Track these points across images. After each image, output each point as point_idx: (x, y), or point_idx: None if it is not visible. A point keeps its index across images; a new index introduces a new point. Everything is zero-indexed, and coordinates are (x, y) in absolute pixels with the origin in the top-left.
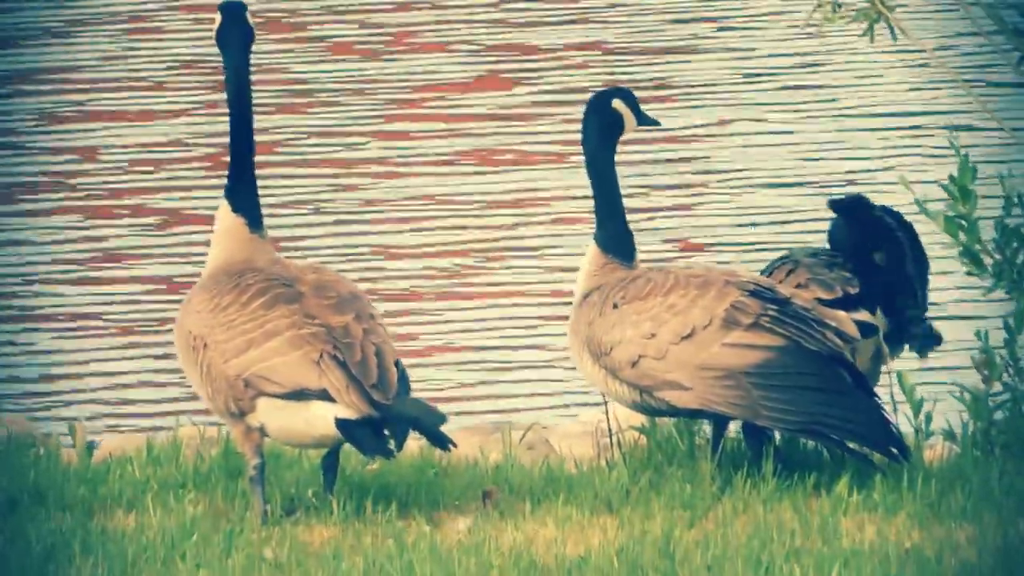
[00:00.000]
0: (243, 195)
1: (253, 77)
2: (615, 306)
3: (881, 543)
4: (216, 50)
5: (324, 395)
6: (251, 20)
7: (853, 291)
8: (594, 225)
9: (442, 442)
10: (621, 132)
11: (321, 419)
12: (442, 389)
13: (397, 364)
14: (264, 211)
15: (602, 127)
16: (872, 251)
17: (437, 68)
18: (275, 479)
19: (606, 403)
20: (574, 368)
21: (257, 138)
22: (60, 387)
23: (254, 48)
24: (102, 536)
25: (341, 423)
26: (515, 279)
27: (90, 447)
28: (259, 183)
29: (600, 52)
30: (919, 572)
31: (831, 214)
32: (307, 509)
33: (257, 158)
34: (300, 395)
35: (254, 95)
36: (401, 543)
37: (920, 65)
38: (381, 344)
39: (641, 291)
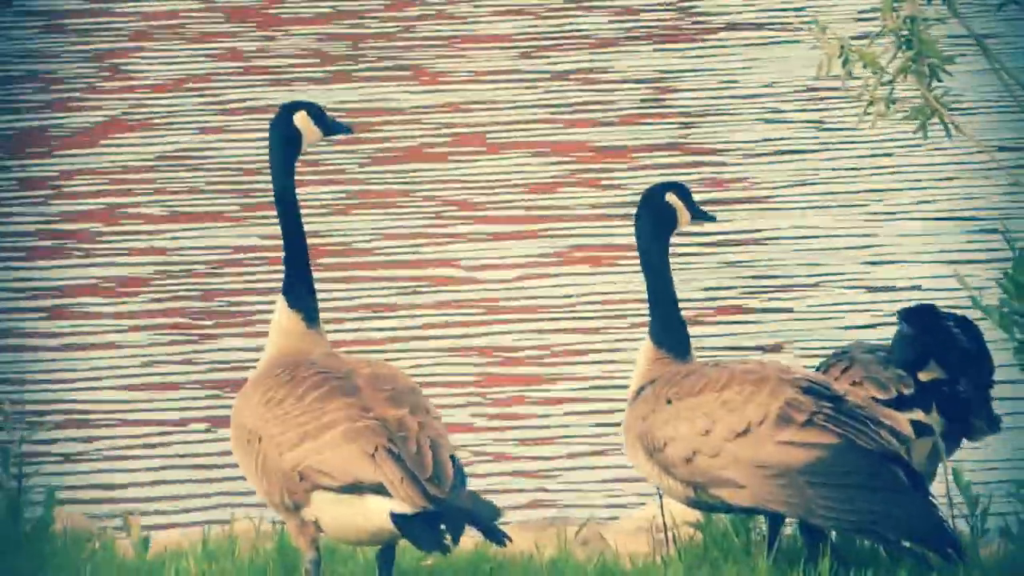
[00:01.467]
0: (300, 292)
1: (327, 179)
2: (669, 402)
3: None
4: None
5: (379, 489)
6: (301, 123)
7: (907, 391)
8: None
9: (498, 537)
10: (675, 226)
11: (376, 513)
12: (497, 482)
13: (453, 458)
14: (332, 313)
15: (655, 221)
16: (938, 360)
17: (513, 169)
18: (330, 574)
19: (661, 498)
20: (629, 463)
21: (325, 240)
22: (116, 481)
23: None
24: None
25: (397, 517)
26: (571, 373)
27: (145, 541)
28: (328, 286)
29: (680, 152)
30: None
31: (887, 312)
32: None
33: (324, 260)
34: (355, 488)
35: (327, 196)
36: None
37: (977, 165)
38: (436, 438)
39: (695, 387)
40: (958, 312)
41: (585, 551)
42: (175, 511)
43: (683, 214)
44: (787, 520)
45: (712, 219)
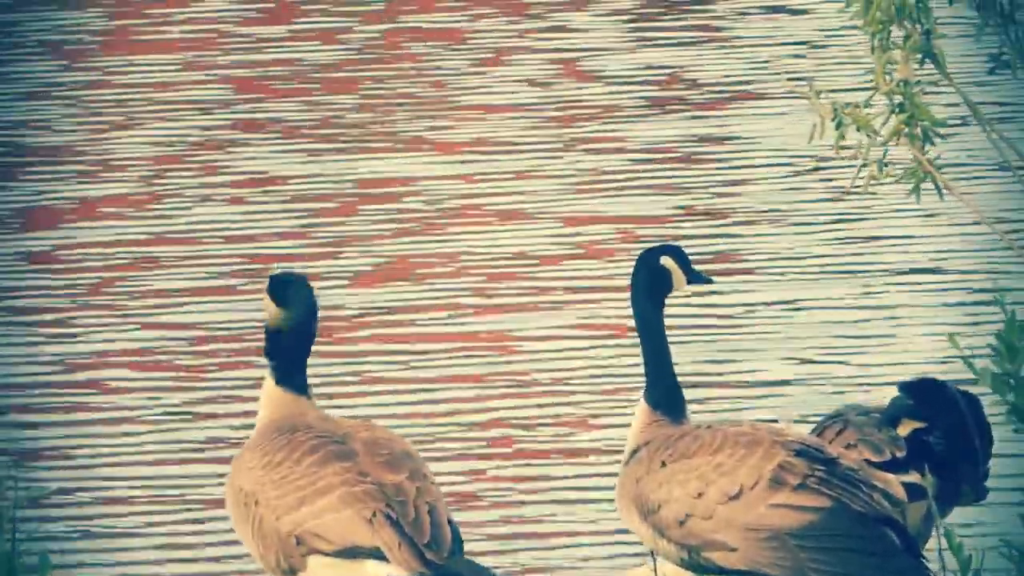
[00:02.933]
0: (287, 372)
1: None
2: (663, 464)
3: None
4: None
5: (377, 554)
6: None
7: (900, 454)
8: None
9: None
10: (670, 289)
11: None
12: (488, 541)
13: (450, 523)
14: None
15: (650, 283)
16: (938, 429)
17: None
18: None
19: (655, 560)
20: (622, 525)
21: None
22: (109, 545)
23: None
24: None
25: None
26: (562, 436)
27: None
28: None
29: (696, 214)
30: None
31: (886, 379)
32: None
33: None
34: (352, 553)
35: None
36: None
37: (969, 225)
38: (434, 503)
39: (689, 449)
40: (957, 384)
41: None
42: None
43: (679, 277)
44: None
45: (709, 281)
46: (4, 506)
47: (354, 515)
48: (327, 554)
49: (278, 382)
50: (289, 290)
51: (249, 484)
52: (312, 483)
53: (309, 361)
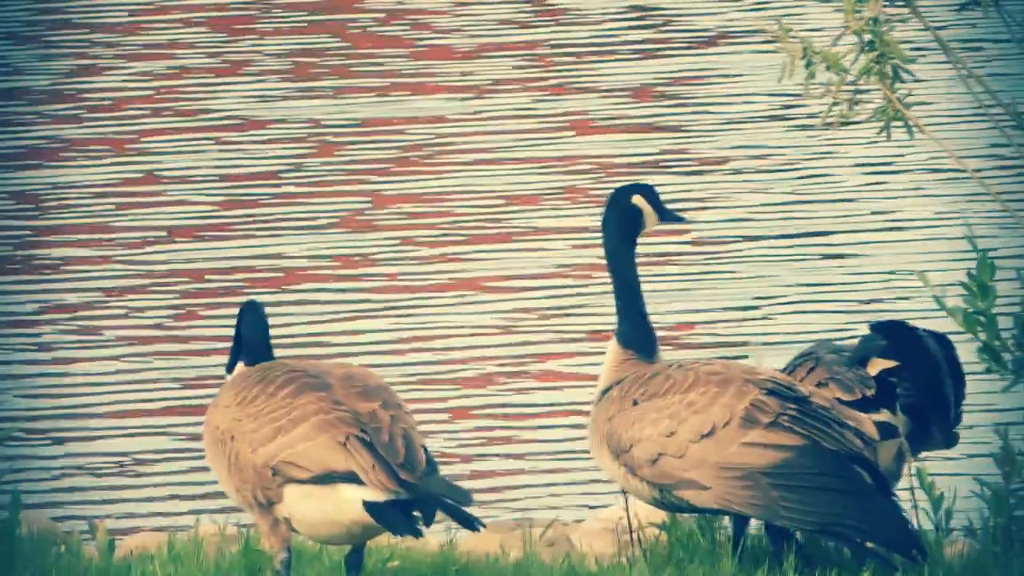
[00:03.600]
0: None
1: None
2: (635, 403)
3: None
4: None
5: (352, 477)
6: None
7: (870, 393)
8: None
9: (470, 523)
10: (642, 228)
11: (349, 502)
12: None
13: (424, 448)
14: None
15: (622, 222)
16: (911, 371)
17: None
18: None
19: (626, 499)
20: (595, 464)
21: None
22: (81, 484)
23: None
24: None
25: (369, 505)
26: (537, 382)
27: (111, 545)
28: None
29: (671, 154)
30: None
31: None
32: None
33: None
34: (327, 479)
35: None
36: None
37: (943, 171)
38: (408, 429)
39: (660, 388)
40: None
41: (551, 552)
42: (141, 515)
43: (650, 216)
44: (753, 521)
45: (681, 220)
46: None
47: (328, 440)
48: (302, 482)
49: (248, 363)
50: (244, 323)
51: (225, 422)
52: (287, 413)
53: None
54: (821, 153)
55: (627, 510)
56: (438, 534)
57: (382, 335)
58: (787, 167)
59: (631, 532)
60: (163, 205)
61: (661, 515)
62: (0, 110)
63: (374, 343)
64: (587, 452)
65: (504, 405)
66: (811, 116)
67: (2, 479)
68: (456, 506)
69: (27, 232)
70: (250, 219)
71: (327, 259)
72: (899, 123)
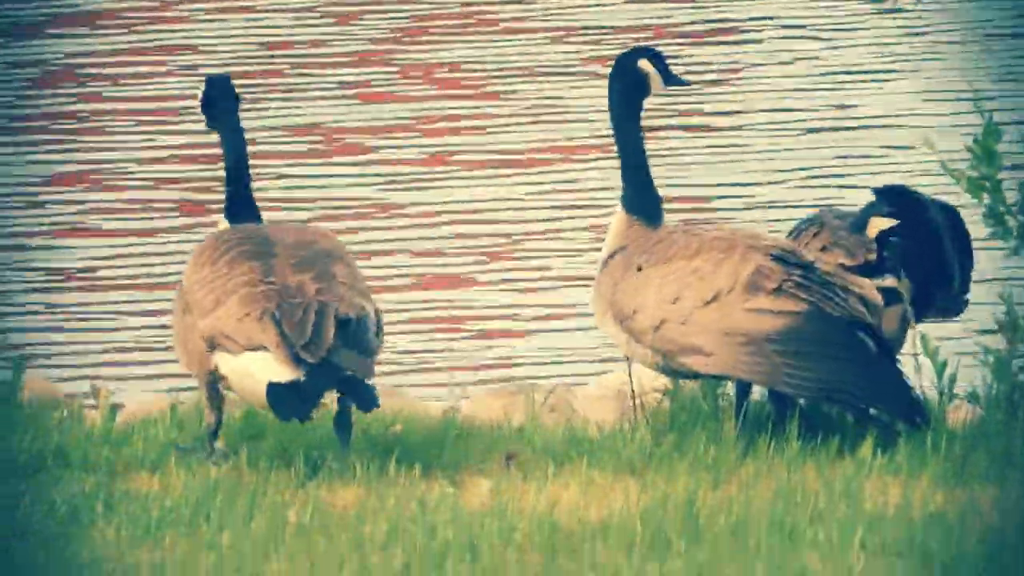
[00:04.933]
0: (235, 211)
1: None
2: (639, 269)
3: (904, 505)
4: None
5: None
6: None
7: (871, 257)
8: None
9: (364, 402)
10: (647, 93)
11: (260, 383)
12: (465, 351)
13: (349, 322)
14: None
15: (627, 88)
16: (906, 229)
17: None
18: (299, 440)
19: (629, 365)
20: (598, 330)
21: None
22: (84, 348)
23: None
24: (125, 498)
25: (270, 387)
26: (539, 247)
27: (113, 409)
28: None
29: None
30: (943, 534)
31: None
32: (329, 471)
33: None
34: (252, 354)
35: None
36: (424, 505)
37: (952, 40)
38: (327, 303)
39: (665, 254)
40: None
41: (553, 418)
42: (144, 378)
43: (655, 80)
44: (755, 387)
45: (686, 83)
46: None
47: (248, 316)
48: (233, 354)
49: (229, 219)
50: (216, 107)
51: (187, 283)
52: (223, 284)
53: None
54: (828, 24)
55: (630, 376)
56: (442, 400)
57: (410, 208)
58: (794, 33)
59: (633, 398)
60: None
61: (664, 381)
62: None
63: (403, 215)
64: (591, 318)
65: (512, 270)
66: None
67: (5, 343)
68: (352, 385)
69: None
70: None
71: None
72: None
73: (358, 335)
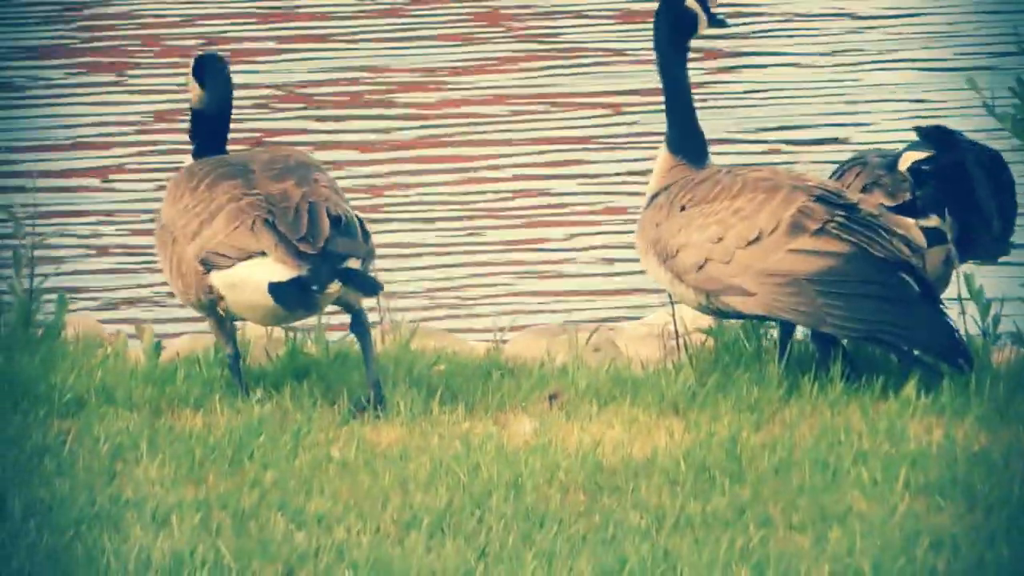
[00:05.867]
0: (204, 150)
1: None
2: (682, 208)
3: (948, 445)
4: None
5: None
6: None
7: (908, 197)
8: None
9: (366, 286)
10: (694, 32)
11: (261, 286)
12: (508, 293)
13: (340, 217)
14: None
15: (675, 26)
16: (939, 160)
17: None
18: (343, 379)
19: (673, 305)
20: (642, 269)
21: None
22: (127, 285)
23: None
24: (169, 436)
25: (272, 286)
26: (582, 187)
27: (157, 347)
28: None
29: None
30: (986, 474)
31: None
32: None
33: None
34: (246, 263)
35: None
36: (467, 444)
37: None
38: (317, 201)
39: (708, 194)
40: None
41: (596, 357)
42: (187, 318)
43: (702, 19)
44: (799, 327)
45: (726, 25)
46: (22, 247)
47: (240, 227)
48: (225, 270)
49: (195, 157)
50: (208, 71)
51: (167, 217)
52: (207, 207)
53: None
54: None
55: (673, 315)
56: (486, 339)
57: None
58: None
59: (677, 337)
60: None
61: (707, 321)
62: None
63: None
64: (634, 257)
65: (550, 206)
66: None
67: (47, 281)
68: (352, 274)
69: None
70: None
71: None
72: None
73: (350, 229)
